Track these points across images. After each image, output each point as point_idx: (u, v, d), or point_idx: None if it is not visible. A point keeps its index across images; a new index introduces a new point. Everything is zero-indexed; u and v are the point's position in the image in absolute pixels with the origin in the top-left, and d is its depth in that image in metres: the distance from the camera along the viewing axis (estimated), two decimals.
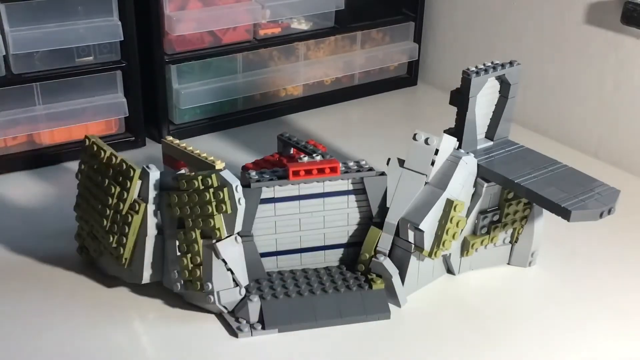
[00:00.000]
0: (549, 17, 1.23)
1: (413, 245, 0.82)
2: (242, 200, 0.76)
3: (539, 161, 0.86)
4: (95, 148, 0.83)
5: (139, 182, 0.79)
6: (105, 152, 0.82)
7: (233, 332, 0.79)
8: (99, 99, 1.13)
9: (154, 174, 0.79)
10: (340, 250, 0.87)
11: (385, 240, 0.83)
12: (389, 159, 0.84)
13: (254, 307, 0.79)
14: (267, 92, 1.29)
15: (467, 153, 0.84)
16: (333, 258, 0.87)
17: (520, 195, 0.83)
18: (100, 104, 1.13)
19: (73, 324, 0.80)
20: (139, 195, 0.80)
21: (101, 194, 0.81)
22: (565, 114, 1.24)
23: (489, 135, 0.90)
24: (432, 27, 1.45)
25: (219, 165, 0.78)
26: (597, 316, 0.84)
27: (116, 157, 0.81)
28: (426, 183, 0.82)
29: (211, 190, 0.75)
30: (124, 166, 0.80)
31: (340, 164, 0.84)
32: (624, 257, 0.94)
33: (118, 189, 0.80)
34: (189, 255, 0.78)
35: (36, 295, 0.84)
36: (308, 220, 0.85)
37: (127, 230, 0.79)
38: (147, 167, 0.79)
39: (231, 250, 0.77)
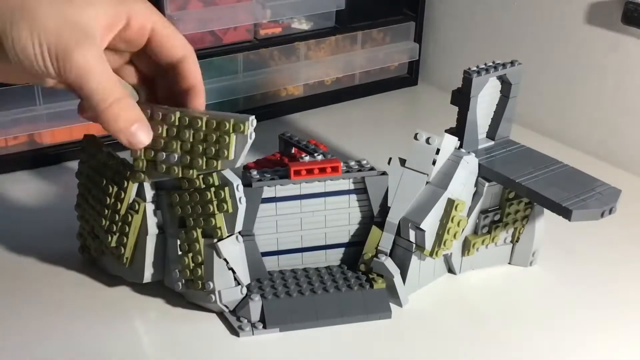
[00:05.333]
0: (549, 17, 1.23)
1: (414, 245, 0.82)
2: (243, 200, 0.76)
3: (540, 161, 0.86)
4: (93, 147, 0.83)
5: None
6: (103, 151, 0.82)
7: (234, 331, 0.79)
8: None
9: None
10: (342, 250, 0.87)
11: (386, 240, 0.84)
12: (390, 159, 0.84)
13: (255, 306, 0.79)
14: (268, 91, 1.29)
15: (469, 153, 0.84)
16: (334, 257, 0.87)
17: (521, 194, 0.83)
18: None
19: (74, 322, 0.80)
20: (137, 195, 0.80)
21: (100, 194, 0.81)
22: (566, 113, 1.24)
23: (490, 135, 0.90)
24: (432, 27, 1.45)
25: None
26: (598, 316, 0.84)
27: (114, 157, 0.81)
28: (427, 182, 0.82)
29: (212, 189, 0.75)
30: (122, 165, 0.80)
31: (342, 164, 0.84)
32: (625, 257, 0.94)
33: (116, 188, 0.79)
34: (190, 255, 0.78)
35: (37, 294, 0.84)
36: (309, 219, 0.85)
37: (127, 229, 0.79)
38: None
39: (232, 249, 0.77)
